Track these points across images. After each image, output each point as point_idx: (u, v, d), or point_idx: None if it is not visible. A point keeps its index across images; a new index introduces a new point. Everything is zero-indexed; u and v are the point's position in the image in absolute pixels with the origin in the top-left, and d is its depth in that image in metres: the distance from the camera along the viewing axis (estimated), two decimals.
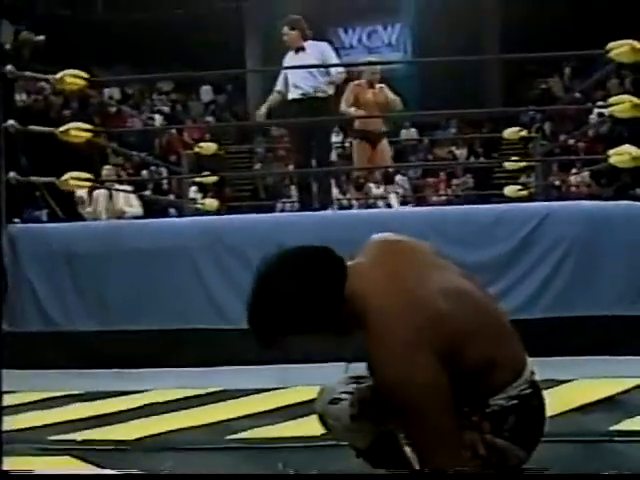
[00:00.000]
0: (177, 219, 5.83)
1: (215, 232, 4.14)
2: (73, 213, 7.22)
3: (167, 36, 16.51)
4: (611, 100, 4.55)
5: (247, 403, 3.13)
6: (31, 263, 4.14)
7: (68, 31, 15.83)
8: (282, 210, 11.44)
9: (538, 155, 7.47)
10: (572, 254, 3.90)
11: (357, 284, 1.70)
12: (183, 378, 3.63)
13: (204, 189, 11.34)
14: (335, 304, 1.69)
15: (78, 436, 2.69)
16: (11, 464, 2.01)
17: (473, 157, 15.66)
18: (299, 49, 5.75)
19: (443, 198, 13.34)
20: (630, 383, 3.18)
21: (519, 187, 7.36)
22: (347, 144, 9.01)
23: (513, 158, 7.86)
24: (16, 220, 4.81)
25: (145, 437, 2.66)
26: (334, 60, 5.84)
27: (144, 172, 14.00)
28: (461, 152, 15.90)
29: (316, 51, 5.75)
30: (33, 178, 4.86)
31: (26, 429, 2.76)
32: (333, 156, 9.91)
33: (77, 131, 4.73)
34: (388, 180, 7.76)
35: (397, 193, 7.80)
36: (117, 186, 7.01)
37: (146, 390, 3.42)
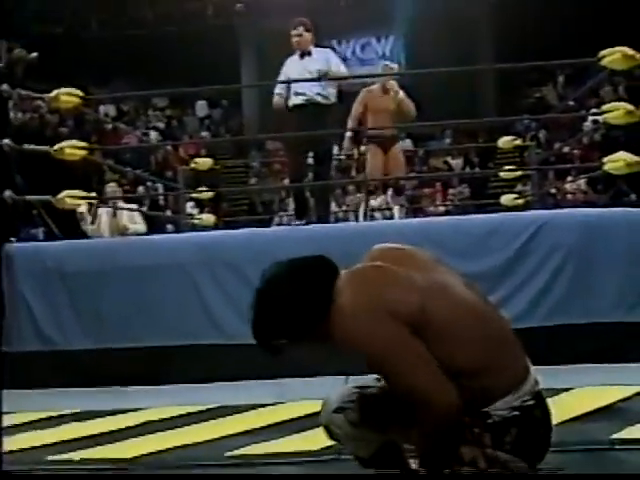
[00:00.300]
0: (173, 235, 5.83)
1: (211, 248, 4.13)
2: (70, 231, 7.21)
3: (162, 52, 16.57)
4: (605, 107, 4.56)
5: (245, 419, 3.12)
6: (27, 282, 4.12)
7: (63, 49, 15.88)
8: (279, 224, 11.44)
9: (533, 163, 7.48)
10: (569, 262, 3.89)
11: (344, 285, 1.76)
12: (180, 395, 3.61)
13: (201, 204, 11.34)
14: (322, 304, 1.74)
15: (76, 456, 2.67)
16: None
17: (469, 167, 15.68)
18: (305, 53, 5.56)
19: (440, 209, 13.34)
20: (630, 390, 3.16)
21: (515, 196, 7.37)
22: (343, 157, 8.94)
23: (508, 167, 7.87)
24: (12, 239, 4.79)
25: (143, 455, 2.64)
26: (339, 66, 5.65)
27: (140, 188, 14.01)
28: (457, 162, 15.92)
29: (322, 57, 5.58)
30: (29, 197, 4.85)
31: (23, 450, 2.74)
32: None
33: (72, 149, 4.73)
34: (398, 191, 7.13)
35: (401, 205, 7.39)
36: (121, 203, 7.01)
37: (143, 408, 3.40)
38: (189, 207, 9.91)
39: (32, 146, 4.73)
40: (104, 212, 6.93)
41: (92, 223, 6.90)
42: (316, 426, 2.10)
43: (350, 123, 6.50)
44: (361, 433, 1.81)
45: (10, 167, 4.95)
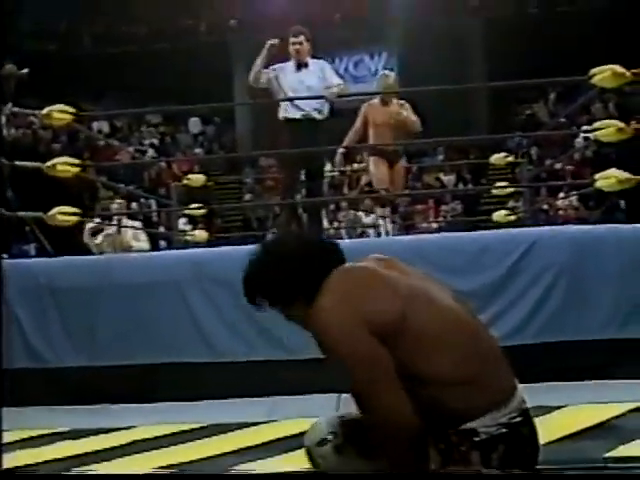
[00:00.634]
0: (165, 252, 5.81)
1: (203, 264, 4.11)
2: (62, 247, 7.19)
3: (155, 69, 16.61)
4: (596, 125, 4.58)
5: (235, 438, 3.09)
6: (18, 299, 4.10)
7: (56, 65, 15.91)
8: None
9: (525, 180, 7.51)
10: (561, 279, 3.89)
11: (332, 280, 1.79)
12: (170, 413, 3.58)
13: (194, 221, 11.33)
14: (311, 285, 1.77)
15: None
16: None
17: (461, 183, 15.72)
18: (302, 65, 5.50)
19: (433, 225, 13.35)
20: (623, 407, 3.15)
21: (507, 212, 7.38)
22: (337, 173, 8.96)
23: (500, 184, 7.88)
24: (4, 255, 4.77)
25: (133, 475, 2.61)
26: (335, 78, 5.61)
27: (133, 205, 13.99)
28: (449, 178, 15.96)
29: (317, 69, 5.54)
30: (21, 213, 4.83)
31: (14, 468, 2.71)
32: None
33: (64, 166, 4.72)
34: (394, 208, 7.19)
35: (394, 222, 7.36)
36: (125, 220, 6.99)
37: (133, 426, 3.37)
38: (182, 223, 9.90)
39: (25, 162, 4.72)
40: (108, 228, 6.92)
41: (95, 238, 6.88)
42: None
43: (350, 136, 6.43)
44: (344, 461, 1.80)
45: (2, 183, 4.94)
